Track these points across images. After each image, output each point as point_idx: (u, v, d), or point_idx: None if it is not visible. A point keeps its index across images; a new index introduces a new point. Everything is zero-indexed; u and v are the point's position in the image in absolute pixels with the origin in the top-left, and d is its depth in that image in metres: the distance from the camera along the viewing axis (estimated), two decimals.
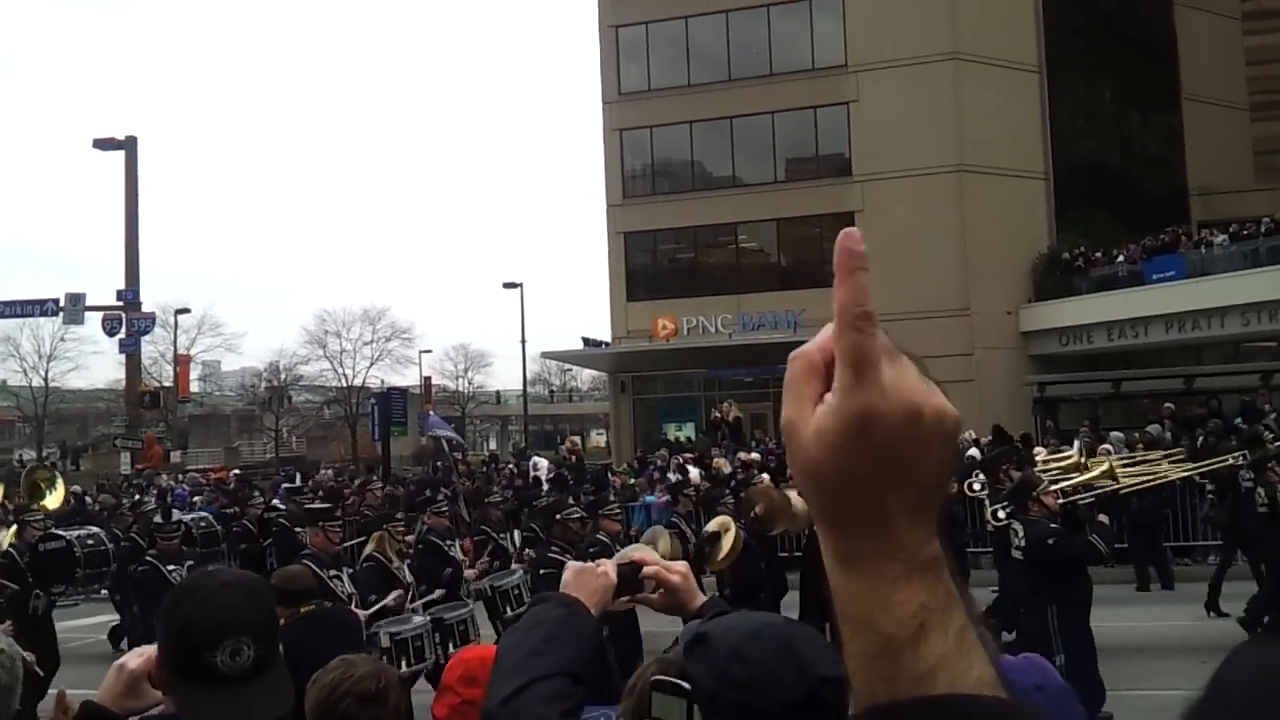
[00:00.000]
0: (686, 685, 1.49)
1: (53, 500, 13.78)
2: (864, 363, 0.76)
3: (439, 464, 27.75)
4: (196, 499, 23.04)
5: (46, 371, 51.89)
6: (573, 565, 1.97)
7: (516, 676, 1.50)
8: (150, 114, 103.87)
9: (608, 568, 1.99)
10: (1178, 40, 36.63)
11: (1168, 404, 21.23)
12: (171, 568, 10.25)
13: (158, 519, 13.93)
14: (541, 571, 8.72)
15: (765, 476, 16.67)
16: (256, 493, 18.22)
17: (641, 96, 34.18)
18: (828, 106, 32.12)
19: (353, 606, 7.84)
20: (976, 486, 13.22)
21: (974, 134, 30.45)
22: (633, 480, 20.70)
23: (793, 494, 11.56)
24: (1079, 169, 32.80)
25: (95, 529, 12.15)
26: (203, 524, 13.96)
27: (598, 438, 59.59)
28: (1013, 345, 30.43)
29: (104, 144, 32.69)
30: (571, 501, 11.35)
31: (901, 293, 29.72)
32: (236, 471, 31.34)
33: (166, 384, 44.30)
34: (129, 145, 32.82)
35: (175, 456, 40.65)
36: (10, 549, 10.46)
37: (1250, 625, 11.18)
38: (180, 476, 32.61)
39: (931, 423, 0.75)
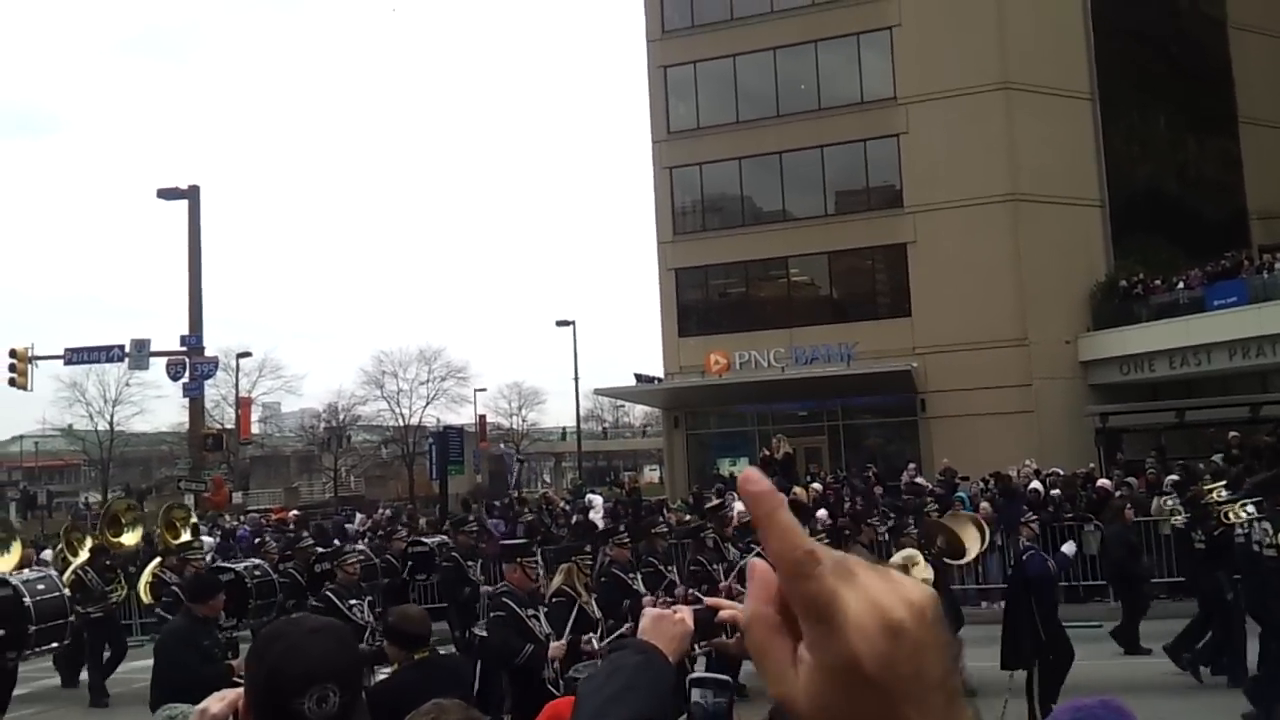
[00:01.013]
0: None
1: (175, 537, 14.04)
2: (826, 609, 0.71)
3: (496, 501, 27.89)
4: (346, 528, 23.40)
5: (112, 416, 53.13)
6: (649, 612, 2.00)
7: None
8: (209, 162, 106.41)
9: (685, 614, 2.01)
10: (1232, 62, 36.13)
11: (1233, 433, 20.76)
12: (353, 602, 9.97)
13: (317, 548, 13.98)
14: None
15: (823, 512, 16.58)
16: (400, 527, 18.45)
17: (691, 134, 34.42)
18: (877, 139, 32.07)
19: (551, 644, 7.77)
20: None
21: (1027, 162, 30.22)
22: (688, 516, 20.58)
23: (969, 525, 11.73)
24: (1135, 195, 32.37)
25: (259, 560, 12.20)
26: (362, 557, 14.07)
27: (651, 474, 59.47)
28: (1072, 375, 29.97)
29: (168, 194, 33.48)
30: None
31: (957, 323, 29.55)
32: (295, 512, 31.74)
33: (228, 426, 45.10)
34: (192, 194, 33.59)
35: (237, 497, 41.26)
36: (175, 588, 10.59)
37: None
38: (241, 517, 33.07)
39: (914, 627, 0.71)
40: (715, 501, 16.63)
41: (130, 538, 15.20)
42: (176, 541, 14.55)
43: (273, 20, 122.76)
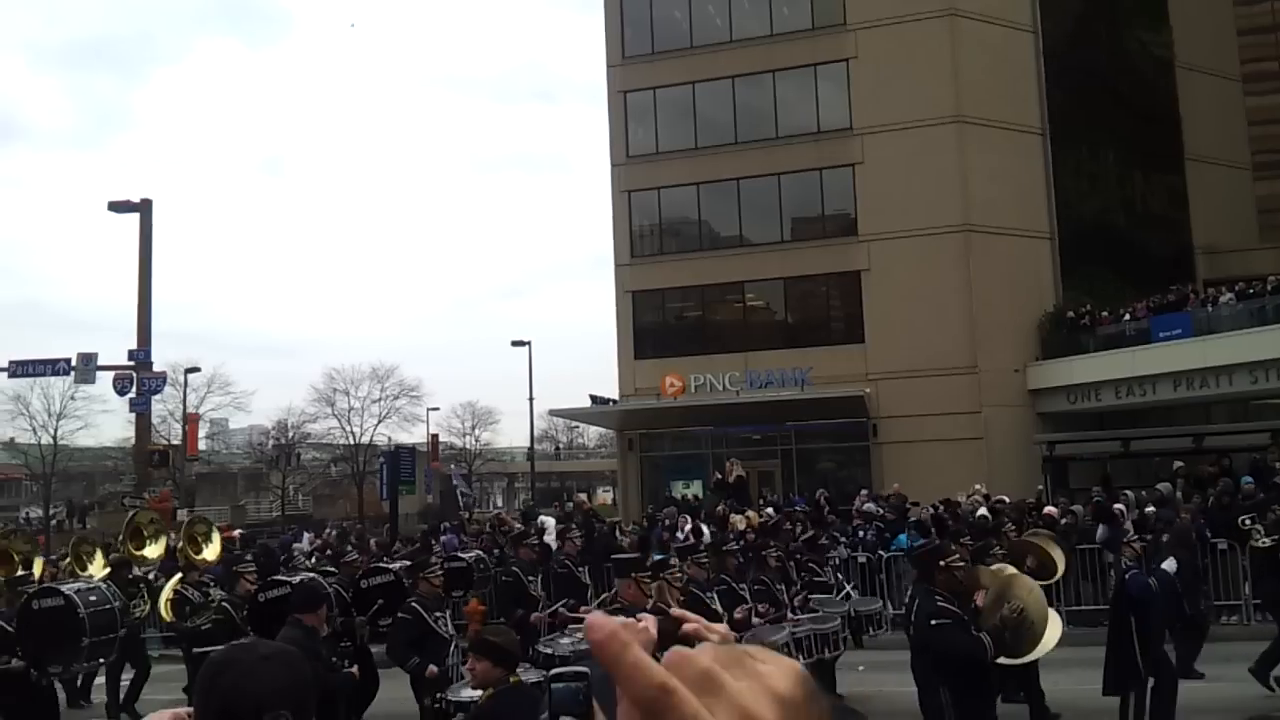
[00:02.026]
0: None
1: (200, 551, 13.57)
2: None
3: (447, 523, 27.67)
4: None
5: (56, 429, 51.99)
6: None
7: None
8: (159, 175, 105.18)
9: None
10: (1179, 101, 37.07)
11: (1178, 462, 21.15)
12: (437, 614, 9.81)
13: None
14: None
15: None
16: (349, 547, 18.17)
17: (650, 159, 34.61)
18: (833, 168, 32.48)
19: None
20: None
21: (979, 194, 30.73)
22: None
23: (1054, 544, 11.44)
24: (1084, 229, 33.02)
25: (313, 575, 11.72)
26: (481, 565, 13.45)
27: (604, 495, 59.37)
28: (1020, 403, 30.42)
29: (119, 207, 32.97)
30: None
31: (909, 350, 29.92)
32: (240, 531, 31.26)
33: (175, 442, 44.36)
34: (144, 208, 33.12)
35: (182, 514, 40.55)
36: (225, 604, 10.31)
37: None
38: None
39: None
40: (774, 519, 16.32)
41: (153, 550, 14.74)
42: (199, 556, 14.20)
43: (226, 33, 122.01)
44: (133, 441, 37.69)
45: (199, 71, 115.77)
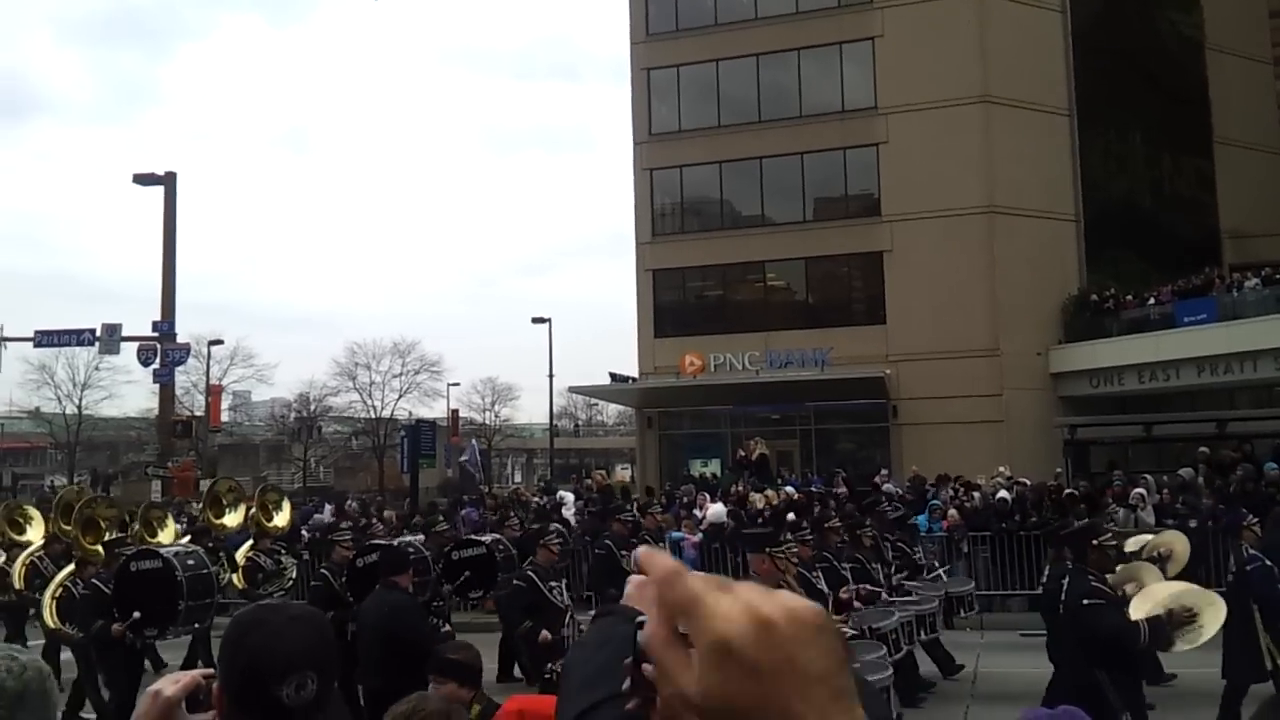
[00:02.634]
0: None
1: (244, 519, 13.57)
2: (692, 604, 0.81)
3: (465, 495, 27.85)
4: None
5: (80, 399, 52.56)
6: (635, 578, 2.00)
7: (587, 694, 1.51)
8: (184, 149, 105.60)
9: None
10: (1209, 84, 36.59)
11: (1202, 448, 21.01)
12: (553, 584, 9.97)
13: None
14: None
15: (791, 515, 16.67)
16: (513, 515, 18.33)
17: (672, 137, 34.49)
18: (857, 148, 32.27)
19: None
20: None
21: (1004, 175, 30.49)
22: (659, 516, 20.63)
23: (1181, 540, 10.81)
24: (1110, 211, 32.72)
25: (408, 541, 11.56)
26: (500, 547, 13.62)
27: (622, 472, 59.49)
28: (1042, 386, 30.25)
29: (144, 179, 33.26)
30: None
31: (930, 332, 29.79)
32: None
33: (198, 413, 44.74)
34: (168, 181, 33.38)
35: (205, 485, 40.94)
36: (324, 570, 10.31)
37: None
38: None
39: (787, 624, 0.79)
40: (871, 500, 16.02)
41: (233, 519, 14.81)
42: (270, 524, 14.28)
43: (250, 9, 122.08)
44: (156, 412, 38.06)
45: (224, 47, 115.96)
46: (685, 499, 21.75)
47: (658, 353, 33.43)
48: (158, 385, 34.56)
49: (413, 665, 6.42)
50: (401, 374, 55.22)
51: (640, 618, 0.91)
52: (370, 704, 7.63)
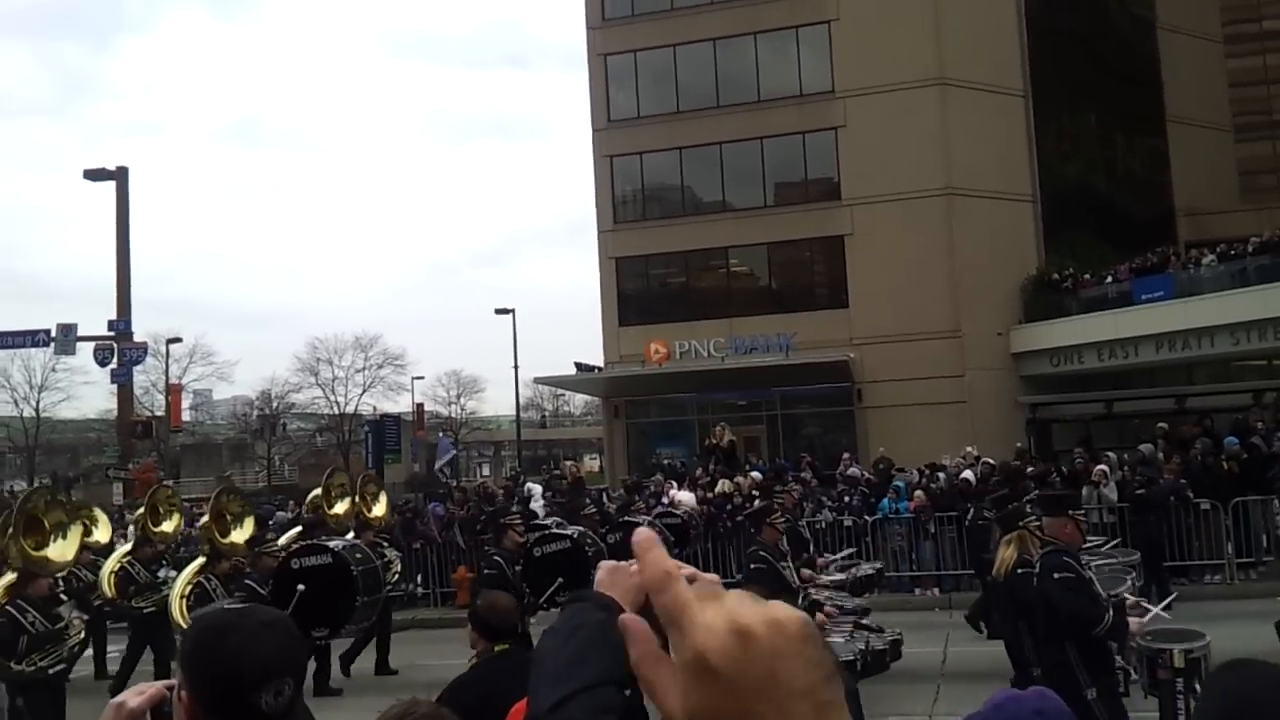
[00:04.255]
0: None
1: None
2: (677, 615, 0.80)
3: (433, 490, 27.69)
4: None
5: (38, 402, 51.77)
6: (605, 564, 1.95)
7: (562, 683, 1.47)
8: (132, 143, 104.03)
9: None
10: (1161, 64, 37.01)
11: (1160, 424, 21.28)
12: (784, 565, 9.48)
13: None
14: None
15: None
16: (588, 500, 18.11)
17: (631, 123, 34.39)
18: (816, 132, 32.34)
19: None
20: None
21: (961, 158, 30.67)
22: (612, 508, 20.59)
23: None
24: (1066, 191, 33.03)
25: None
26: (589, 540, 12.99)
27: (590, 462, 59.46)
28: (1003, 366, 30.52)
29: (95, 174, 32.63)
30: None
31: (892, 315, 29.96)
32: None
33: (158, 413, 44.17)
34: (120, 176, 32.79)
35: (167, 486, 40.45)
36: (497, 558, 10.05)
37: None
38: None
39: (769, 636, 0.77)
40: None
41: (341, 506, 14.21)
42: (371, 515, 13.64)
43: (196, 1, 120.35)
44: (115, 413, 37.53)
45: (169, 39, 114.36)
46: (654, 488, 21.74)
47: (623, 341, 33.38)
48: (116, 386, 34.04)
49: None
50: (365, 368, 54.94)
51: (622, 614, 0.88)
52: None
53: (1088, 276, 30.34)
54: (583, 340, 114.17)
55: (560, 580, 9.26)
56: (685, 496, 19.22)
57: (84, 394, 74.27)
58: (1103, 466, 17.74)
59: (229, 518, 11.98)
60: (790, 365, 29.61)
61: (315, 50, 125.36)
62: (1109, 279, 29.97)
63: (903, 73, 30.91)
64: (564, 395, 71.48)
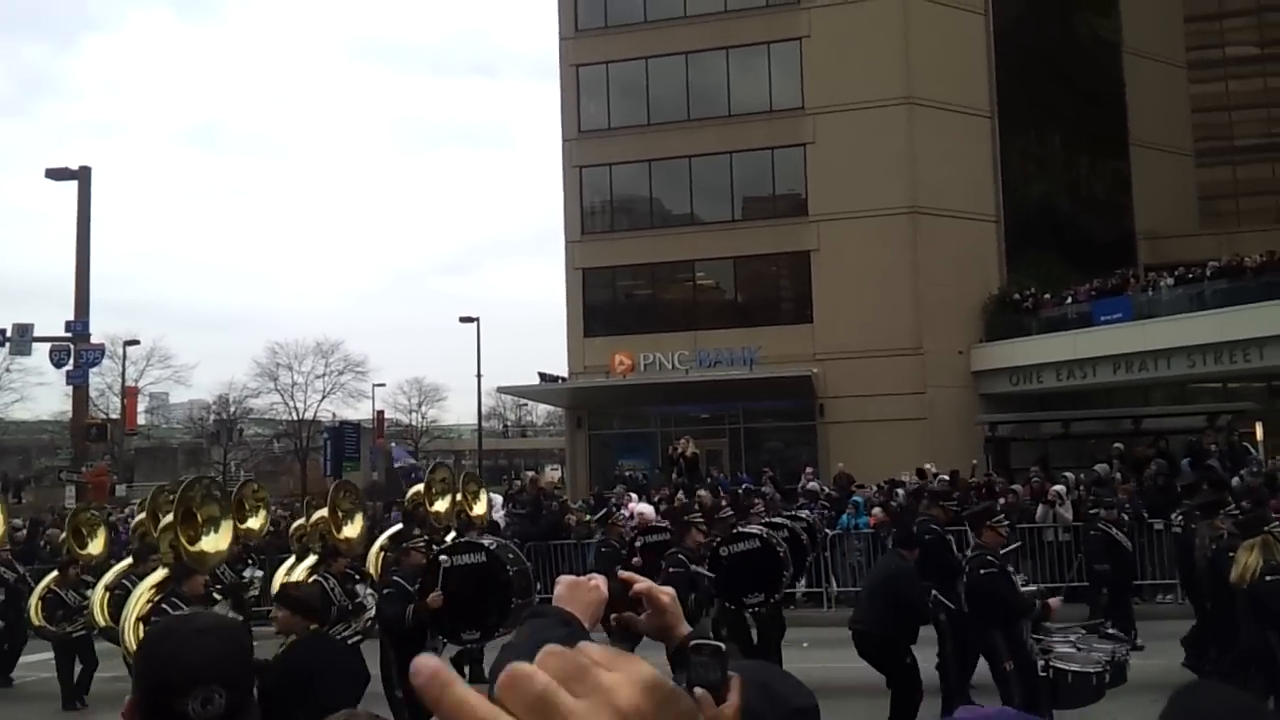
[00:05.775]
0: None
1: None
2: (545, 710, 0.71)
3: (393, 499, 27.43)
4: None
5: None
6: (565, 579, 1.91)
7: None
8: (92, 144, 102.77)
9: (599, 582, 1.93)
10: (1126, 88, 37.57)
11: (1116, 444, 21.48)
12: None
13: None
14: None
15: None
16: (757, 501, 17.80)
17: (601, 135, 34.40)
18: (785, 148, 32.52)
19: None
20: None
21: (927, 176, 30.94)
22: (588, 517, 20.52)
23: None
24: (1029, 212, 33.41)
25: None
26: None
27: (552, 473, 59.17)
28: (964, 384, 30.78)
29: (57, 174, 32.12)
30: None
31: (856, 331, 30.13)
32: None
33: (113, 416, 43.54)
34: (82, 175, 32.31)
35: (121, 490, 39.84)
36: (680, 556, 9.89)
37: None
38: (125, 510, 31.92)
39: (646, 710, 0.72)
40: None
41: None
42: (475, 513, 13.48)
43: (161, 2, 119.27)
44: (69, 415, 36.91)
45: (132, 40, 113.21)
46: (614, 500, 21.64)
47: (588, 352, 33.32)
48: (71, 387, 33.46)
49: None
50: (325, 374, 54.51)
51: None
52: None
53: (1048, 297, 30.68)
54: (547, 350, 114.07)
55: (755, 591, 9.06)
56: (645, 509, 19.16)
57: (38, 395, 73.45)
58: (1059, 487, 17.88)
59: (340, 513, 11.70)
60: (754, 379, 29.69)
61: (281, 54, 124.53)
62: (1069, 300, 30.31)
63: (872, 91, 31.16)
64: (526, 405, 71.16)
